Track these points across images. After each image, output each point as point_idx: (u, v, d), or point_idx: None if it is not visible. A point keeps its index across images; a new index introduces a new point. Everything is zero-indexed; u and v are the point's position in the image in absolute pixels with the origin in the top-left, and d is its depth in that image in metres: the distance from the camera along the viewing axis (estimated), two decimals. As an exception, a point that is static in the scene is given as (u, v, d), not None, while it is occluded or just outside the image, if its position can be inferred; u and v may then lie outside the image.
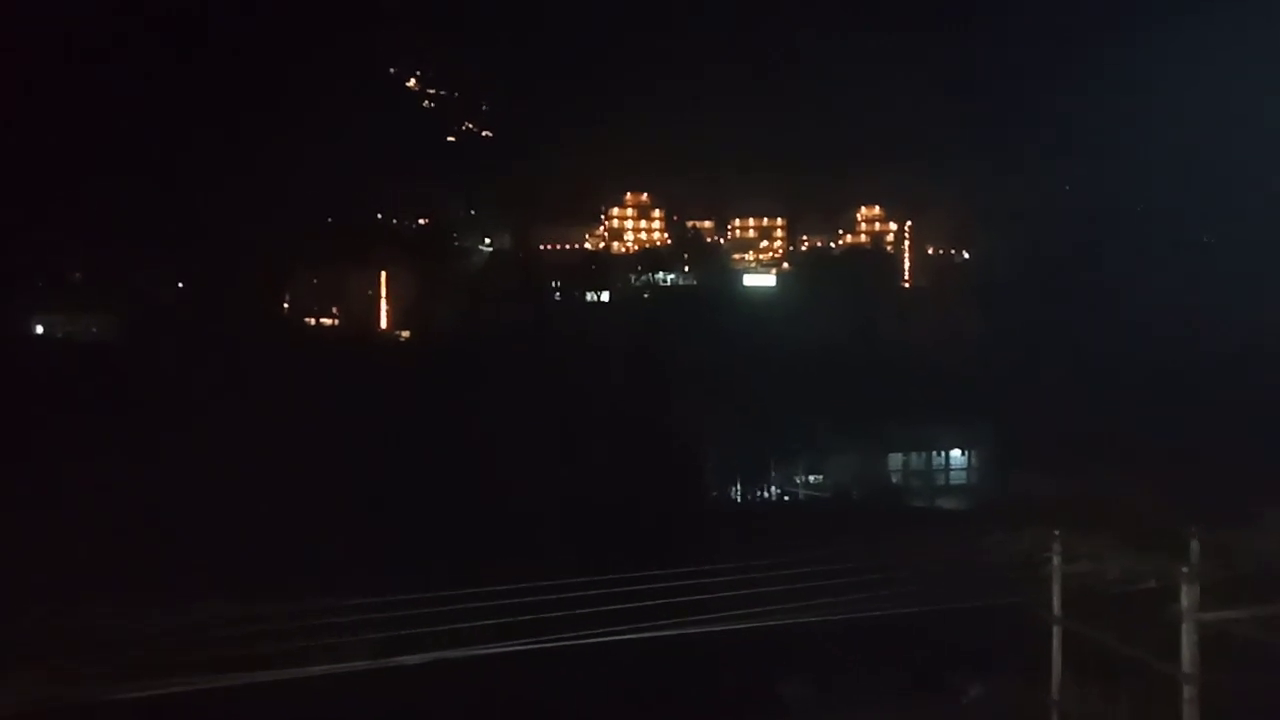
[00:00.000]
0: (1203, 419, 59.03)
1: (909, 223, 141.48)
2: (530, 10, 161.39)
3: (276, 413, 45.92)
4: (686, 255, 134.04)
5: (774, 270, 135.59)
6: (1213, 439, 52.92)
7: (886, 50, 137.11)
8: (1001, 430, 67.85)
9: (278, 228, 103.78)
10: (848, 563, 11.85)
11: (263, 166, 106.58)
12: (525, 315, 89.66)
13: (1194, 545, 11.39)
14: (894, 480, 70.82)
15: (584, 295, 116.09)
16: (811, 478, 70.33)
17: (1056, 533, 12.44)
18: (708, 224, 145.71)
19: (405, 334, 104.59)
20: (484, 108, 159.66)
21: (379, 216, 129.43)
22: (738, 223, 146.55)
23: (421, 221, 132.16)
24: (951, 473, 73.57)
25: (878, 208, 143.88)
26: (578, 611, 11.09)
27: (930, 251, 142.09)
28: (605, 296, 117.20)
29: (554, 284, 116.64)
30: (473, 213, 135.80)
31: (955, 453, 73.83)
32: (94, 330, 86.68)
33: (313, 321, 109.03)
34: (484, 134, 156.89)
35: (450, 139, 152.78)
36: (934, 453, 73.57)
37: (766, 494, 68.92)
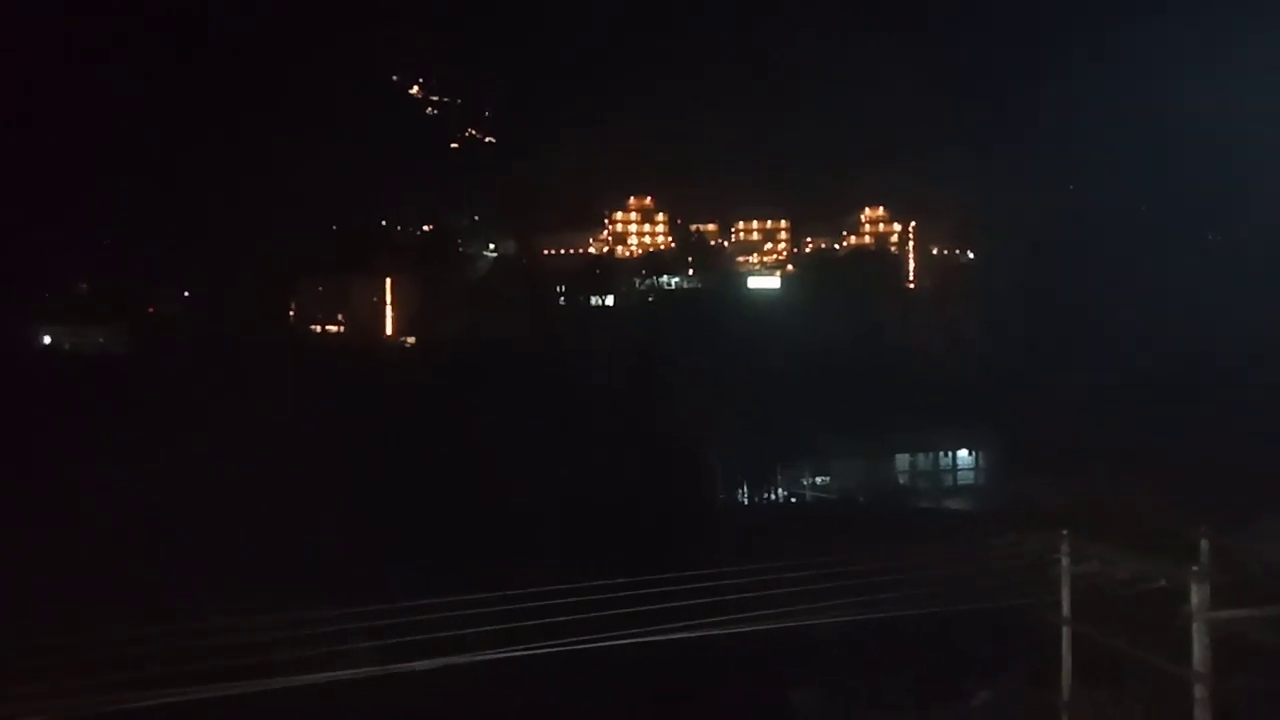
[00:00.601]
0: (1209, 421, 58.90)
1: (913, 224, 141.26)
2: (531, 15, 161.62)
3: (285, 420, 46.01)
4: (690, 259, 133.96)
5: (778, 273, 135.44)
6: (1219, 441, 52.78)
7: (889, 50, 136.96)
8: (1007, 432, 67.73)
9: (282, 236, 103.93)
10: (855, 565, 11.82)
11: (267, 175, 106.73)
12: (530, 321, 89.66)
13: (1204, 545, 11.36)
14: (901, 482, 70.69)
15: (588, 300, 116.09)
16: (818, 480, 70.21)
17: (1065, 534, 12.41)
18: (711, 227, 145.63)
19: (410, 340, 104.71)
20: (487, 114, 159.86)
21: (383, 224, 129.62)
22: (741, 225, 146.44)
23: (426, 228, 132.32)
24: (959, 474, 73.41)
25: (882, 209, 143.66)
26: (587, 615, 11.10)
27: (934, 252, 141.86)
28: (610, 301, 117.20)
29: (558, 289, 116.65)
30: (476, 219, 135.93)
31: (962, 454, 73.68)
32: (100, 341, 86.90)
33: (318, 329, 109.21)
34: (487, 140, 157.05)
35: (453, 145, 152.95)
36: (940, 454, 73.42)
37: (773, 497, 68.82)
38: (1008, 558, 12.41)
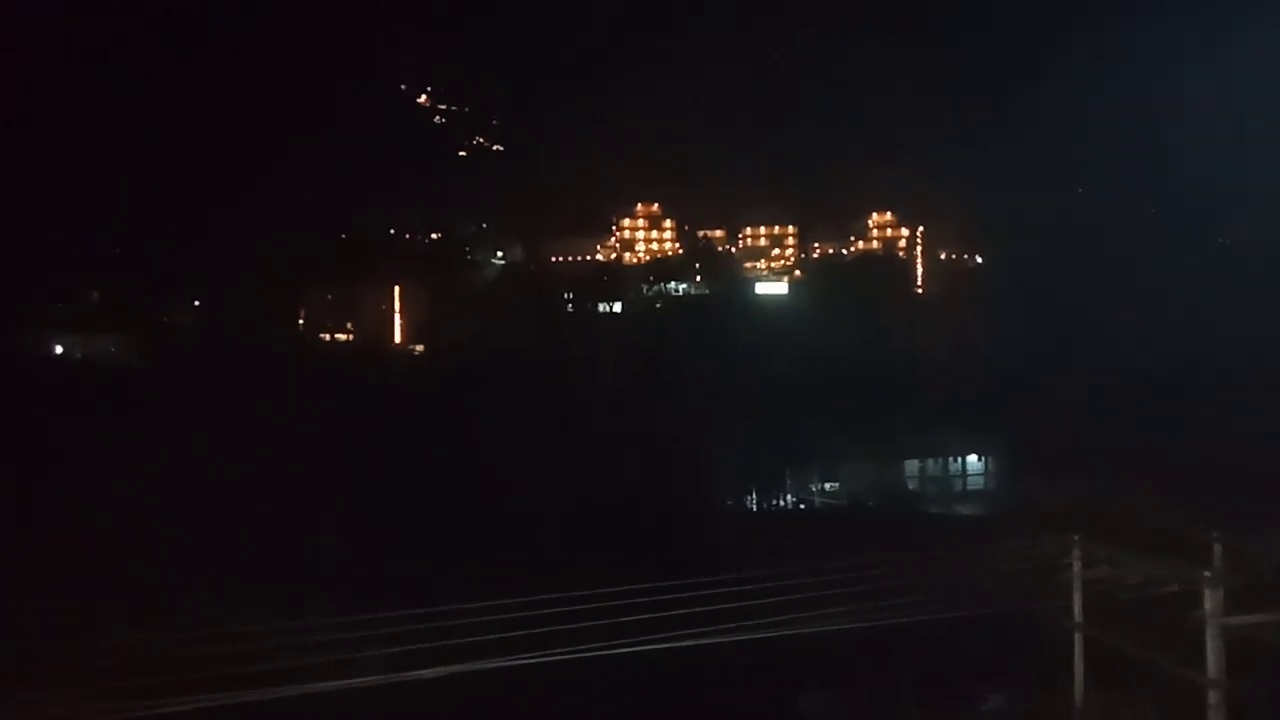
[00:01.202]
0: (1219, 423, 58.65)
1: (920, 228, 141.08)
2: (535, 22, 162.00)
3: (296, 427, 46.12)
4: (698, 265, 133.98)
5: (786, 278, 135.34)
6: (1229, 444, 52.54)
7: (895, 54, 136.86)
8: (1017, 436, 67.57)
9: (290, 244, 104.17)
10: (864, 571, 11.78)
11: (274, 184, 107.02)
12: (538, 328, 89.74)
13: (1217, 549, 11.28)
14: (910, 486, 70.57)
15: (596, 306, 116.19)
16: (827, 485, 70.14)
17: (1076, 538, 12.34)
18: (719, 233, 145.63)
19: (419, 348, 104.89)
20: (494, 122, 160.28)
21: (391, 231, 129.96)
22: (749, 231, 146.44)
23: (434, 236, 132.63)
24: (968, 478, 73.28)
25: (889, 214, 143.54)
26: (595, 623, 11.07)
27: (942, 257, 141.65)
28: (618, 307, 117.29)
29: (566, 296, 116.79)
30: (484, 226, 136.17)
31: (971, 458, 73.55)
32: (112, 349, 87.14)
33: (327, 337, 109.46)
34: (494, 148, 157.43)
35: (461, 153, 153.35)
36: (949, 459, 73.30)
37: (782, 502, 68.75)
38: (1018, 562, 12.36)
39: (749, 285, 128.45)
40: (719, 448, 58.67)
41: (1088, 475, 47.98)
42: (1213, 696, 10.31)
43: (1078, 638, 12.36)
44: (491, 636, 10.90)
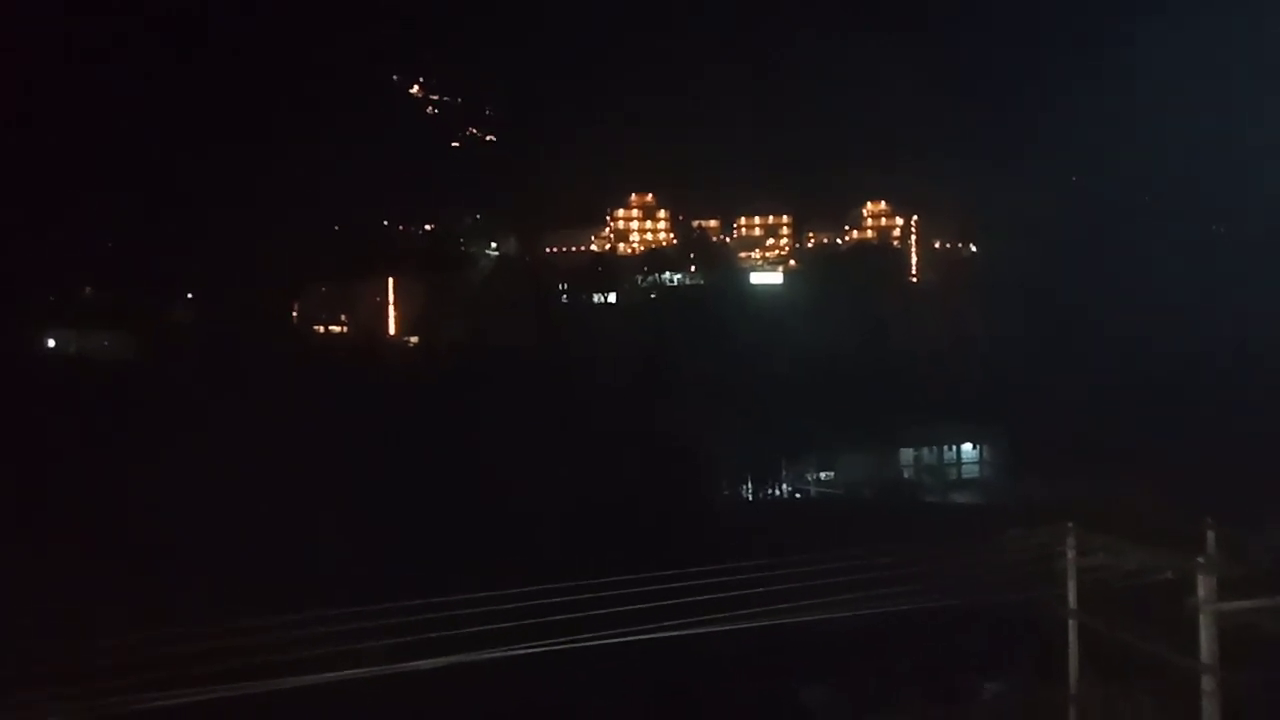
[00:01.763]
0: (1214, 415, 58.72)
1: (915, 218, 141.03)
2: (530, 12, 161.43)
3: (291, 422, 46.05)
4: (692, 255, 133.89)
5: (781, 268, 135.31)
6: (1224, 436, 52.60)
7: (890, 45, 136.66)
8: (1010, 425, 67.73)
9: (284, 236, 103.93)
10: (859, 560, 11.81)
11: (270, 181, 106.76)
12: (533, 319, 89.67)
13: (1210, 537, 11.34)
14: (905, 476, 70.74)
15: (591, 297, 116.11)
16: (823, 475, 70.28)
17: (1070, 527, 12.39)
18: (713, 223, 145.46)
19: (414, 340, 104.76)
20: (487, 112, 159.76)
21: (385, 224, 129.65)
22: (743, 221, 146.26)
23: (428, 227, 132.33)
24: (963, 467, 73.47)
25: (884, 203, 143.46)
26: (592, 613, 11.10)
27: (937, 246, 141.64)
28: (612, 298, 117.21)
29: (561, 287, 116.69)
30: (478, 218, 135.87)
31: (966, 447, 73.72)
32: (106, 344, 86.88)
33: (321, 329, 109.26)
34: (488, 139, 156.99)
35: (454, 145, 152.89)
36: (944, 448, 73.46)
37: (778, 492, 68.87)
38: (1013, 551, 12.40)
39: (744, 275, 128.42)
40: (715, 440, 58.76)
41: (1085, 467, 48.10)
42: (1207, 683, 10.37)
43: (1072, 625, 12.42)
44: (487, 627, 10.93)
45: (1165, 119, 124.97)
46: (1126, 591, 11.62)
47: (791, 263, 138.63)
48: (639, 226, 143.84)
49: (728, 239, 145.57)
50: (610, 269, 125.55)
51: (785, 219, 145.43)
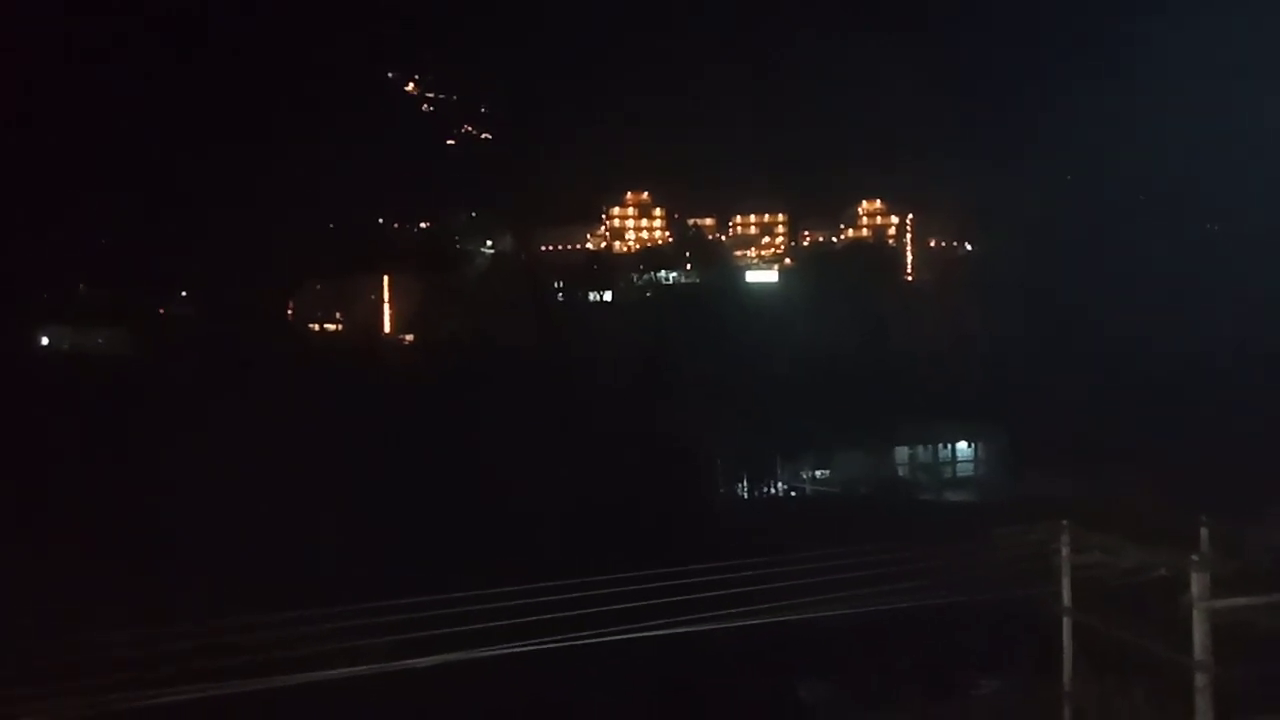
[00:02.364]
0: (1213, 415, 58.76)
1: (910, 216, 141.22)
2: (528, 11, 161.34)
3: (287, 419, 46.05)
4: (688, 253, 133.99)
5: (776, 266, 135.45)
6: (1224, 435, 52.65)
7: (885, 43, 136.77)
8: (1006, 423, 67.83)
9: (280, 234, 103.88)
10: (854, 558, 11.88)
11: (268, 180, 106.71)
12: (528, 317, 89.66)
13: (1204, 534, 11.43)
14: (901, 474, 70.81)
15: (587, 295, 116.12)
16: (818, 473, 70.31)
17: (1065, 524, 12.47)
18: (709, 221, 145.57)
19: (409, 337, 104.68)
20: (483, 110, 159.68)
21: (381, 221, 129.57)
22: (739, 219, 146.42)
23: (423, 225, 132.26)
24: (960, 465, 73.55)
25: (879, 201, 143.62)
26: (592, 610, 11.16)
27: (932, 244, 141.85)
28: (608, 296, 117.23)
29: (557, 285, 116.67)
30: (474, 215, 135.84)
31: (962, 445, 73.80)
32: (100, 341, 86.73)
33: (317, 327, 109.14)
34: (484, 136, 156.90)
35: (450, 142, 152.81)
36: (940, 446, 73.53)
37: (774, 491, 68.91)
38: (1008, 549, 12.47)
39: (739, 273, 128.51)
40: (712, 438, 58.80)
41: (1082, 465, 48.21)
42: (1200, 679, 10.45)
43: (1067, 623, 12.50)
44: (490, 625, 10.99)
45: (1164, 118, 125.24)
46: (1122, 589, 11.70)
47: (787, 261, 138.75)
48: (635, 224, 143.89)
49: (723, 237, 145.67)
50: (606, 267, 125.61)
51: (781, 217, 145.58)
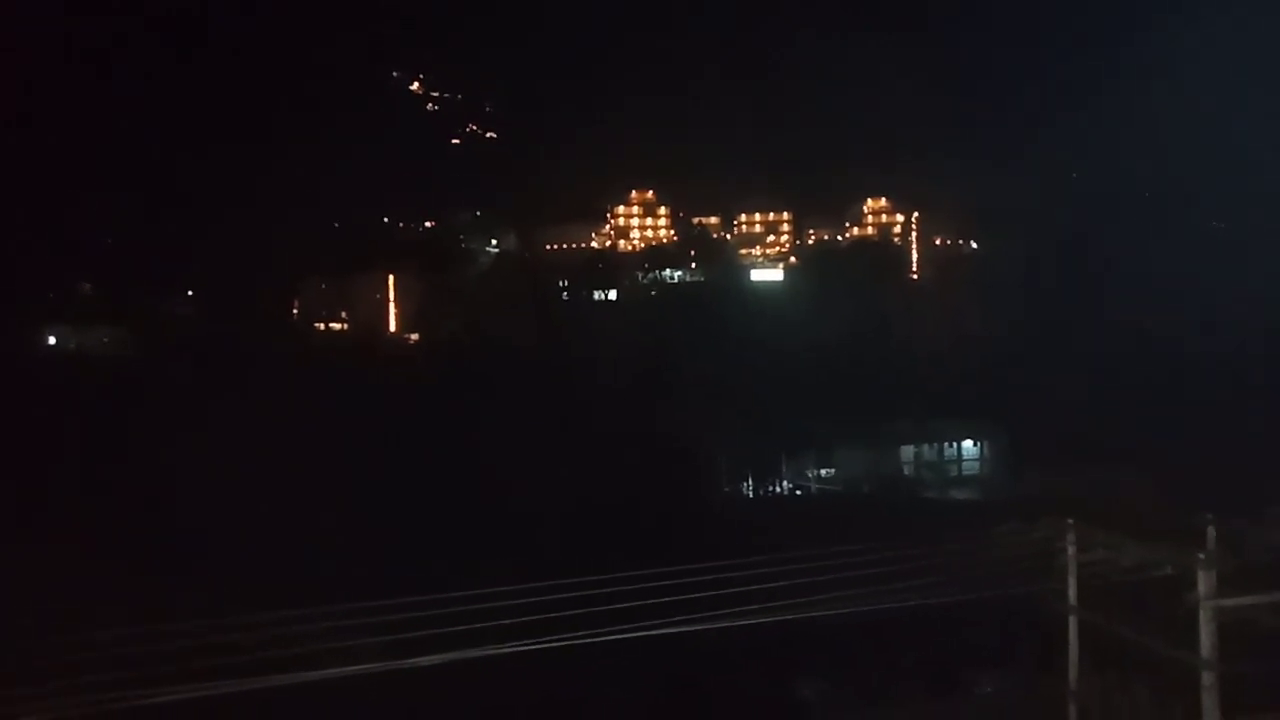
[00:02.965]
0: (1215, 413, 58.64)
1: (916, 214, 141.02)
2: (531, 10, 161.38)
3: (291, 419, 46.10)
4: (693, 252, 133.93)
5: (781, 265, 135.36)
6: (1225, 434, 52.53)
7: (890, 43, 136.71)
8: (1011, 421, 67.75)
9: (284, 234, 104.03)
10: (859, 556, 11.83)
11: (271, 179, 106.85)
12: (533, 316, 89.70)
13: (1210, 532, 11.35)
14: (905, 472, 70.78)
15: (591, 294, 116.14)
16: (823, 472, 70.29)
17: (1070, 522, 12.40)
18: (713, 220, 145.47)
19: (414, 337, 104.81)
20: (487, 109, 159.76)
21: (385, 220, 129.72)
22: (744, 218, 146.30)
23: (428, 224, 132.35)
24: (963, 463, 73.49)
25: (884, 200, 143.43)
26: (594, 609, 11.12)
27: (938, 243, 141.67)
28: (613, 295, 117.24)
29: (561, 284, 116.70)
30: (478, 214, 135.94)
31: (967, 443, 73.74)
32: (105, 340, 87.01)
33: (322, 326, 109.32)
34: (488, 135, 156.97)
35: (454, 141, 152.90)
36: (945, 444, 73.48)
37: (778, 489, 68.90)
38: (1012, 546, 12.41)
39: (744, 272, 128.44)
40: (715, 437, 58.78)
41: (1085, 463, 48.11)
42: (1206, 678, 10.38)
43: (1072, 621, 12.43)
44: (492, 624, 10.95)
45: (1164, 117, 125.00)
46: (1126, 587, 11.64)
47: (792, 259, 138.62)
48: (639, 223, 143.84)
49: (728, 236, 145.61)
50: (610, 266, 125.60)
51: (786, 216, 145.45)
